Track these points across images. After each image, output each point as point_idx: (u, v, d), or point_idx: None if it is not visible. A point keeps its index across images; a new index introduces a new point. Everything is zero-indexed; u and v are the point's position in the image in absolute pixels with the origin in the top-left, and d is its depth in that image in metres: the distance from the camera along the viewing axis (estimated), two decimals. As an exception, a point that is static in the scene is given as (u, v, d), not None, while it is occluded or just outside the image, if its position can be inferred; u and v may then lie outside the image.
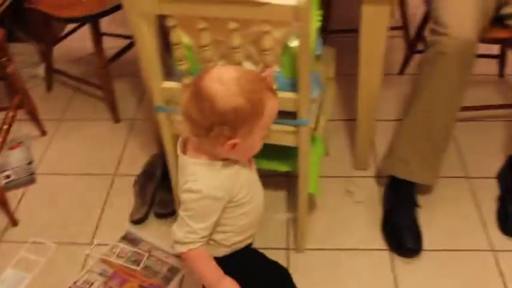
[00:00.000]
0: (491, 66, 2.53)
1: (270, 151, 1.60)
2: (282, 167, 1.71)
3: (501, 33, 1.85)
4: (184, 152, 1.17)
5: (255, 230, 1.31)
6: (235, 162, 1.15)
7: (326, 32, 2.44)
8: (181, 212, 1.15)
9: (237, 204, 1.18)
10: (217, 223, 1.17)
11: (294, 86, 1.40)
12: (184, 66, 1.42)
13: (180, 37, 1.36)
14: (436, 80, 1.63)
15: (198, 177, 1.12)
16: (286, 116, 1.40)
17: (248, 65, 1.41)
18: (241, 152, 1.12)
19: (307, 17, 1.19)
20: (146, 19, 1.32)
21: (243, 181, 1.17)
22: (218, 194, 1.12)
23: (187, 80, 1.45)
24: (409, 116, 1.74)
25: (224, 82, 1.03)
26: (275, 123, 1.15)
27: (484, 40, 1.83)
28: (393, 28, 2.58)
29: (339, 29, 2.53)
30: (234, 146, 1.07)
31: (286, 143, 1.52)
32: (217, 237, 1.22)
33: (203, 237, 1.15)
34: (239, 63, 1.36)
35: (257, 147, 1.14)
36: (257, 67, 1.41)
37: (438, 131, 1.70)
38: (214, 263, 1.21)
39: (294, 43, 1.35)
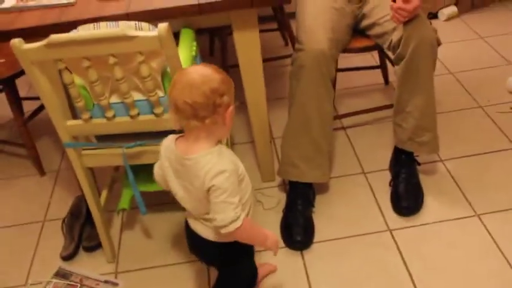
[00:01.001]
0: (377, 76, 2.84)
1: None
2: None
3: (364, 42, 2.16)
4: (185, 153, 1.34)
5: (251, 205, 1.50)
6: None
7: (227, 66, 2.71)
8: (218, 198, 1.31)
9: (240, 178, 1.39)
10: None
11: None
12: (81, 103, 1.62)
13: (72, 78, 1.56)
14: (302, 90, 1.90)
15: (215, 161, 1.31)
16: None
17: (136, 95, 1.62)
18: (231, 120, 1.35)
19: (169, 44, 1.43)
20: (38, 66, 1.53)
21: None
22: (235, 168, 1.34)
23: (85, 116, 1.64)
24: (288, 124, 2.00)
25: (201, 69, 1.31)
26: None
27: (351, 50, 2.14)
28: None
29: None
30: (232, 112, 1.33)
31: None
32: None
33: (243, 208, 1.37)
34: (127, 94, 1.57)
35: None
36: (143, 95, 1.62)
37: (316, 133, 1.95)
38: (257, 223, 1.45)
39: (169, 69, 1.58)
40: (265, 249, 1.57)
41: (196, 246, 1.58)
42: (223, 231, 1.35)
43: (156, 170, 1.52)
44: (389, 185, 2.15)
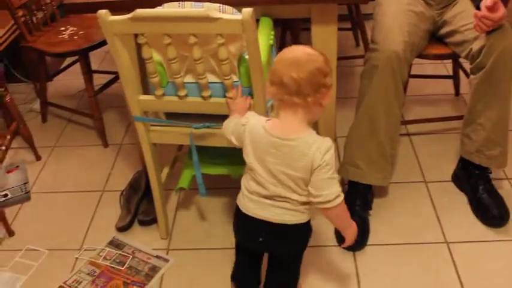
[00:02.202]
0: (448, 87, 2.78)
1: (217, 156, 1.83)
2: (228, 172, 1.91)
3: (441, 50, 2.11)
4: (286, 135, 1.38)
5: None
6: None
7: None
8: (326, 174, 1.37)
9: None
10: None
11: (252, 94, 1.63)
12: (156, 79, 1.65)
13: (151, 53, 1.59)
14: (373, 90, 1.87)
15: (321, 139, 1.38)
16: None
17: (210, 77, 1.64)
18: (328, 102, 1.40)
19: (252, 29, 1.43)
20: (120, 38, 1.56)
21: None
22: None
23: (159, 92, 1.67)
24: (354, 124, 1.97)
25: (306, 49, 1.37)
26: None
27: (426, 56, 2.10)
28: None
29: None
30: (331, 94, 1.37)
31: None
32: None
33: None
34: (202, 75, 1.59)
35: None
36: (218, 78, 1.64)
37: (381, 136, 1.92)
38: None
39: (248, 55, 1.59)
40: (343, 234, 1.57)
41: (265, 236, 1.50)
42: (328, 205, 1.40)
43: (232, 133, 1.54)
44: (469, 203, 2.09)
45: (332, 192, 1.39)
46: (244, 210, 1.49)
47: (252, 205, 1.48)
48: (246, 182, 1.50)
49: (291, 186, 1.41)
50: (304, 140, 1.37)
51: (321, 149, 1.35)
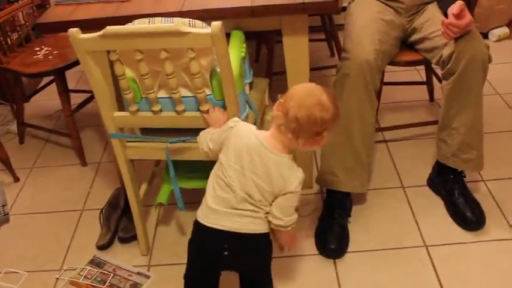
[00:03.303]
0: (422, 92, 2.81)
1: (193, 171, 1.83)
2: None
3: (412, 57, 2.15)
4: (275, 149, 1.42)
5: None
6: None
7: (271, 74, 2.74)
8: (293, 202, 1.46)
9: None
10: None
11: (225, 107, 1.64)
12: (130, 95, 1.65)
13: (123, 70, 1.60)
14: (346, 98, 1.89)
15: (297, 169, 1.45)
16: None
17: (183, 91, 1.65)
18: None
19: (221, 42, 1.45)
20: (92, 56, 1.57)
21: None
22: None
23: (133, 108, 1.68)
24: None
25: (324, 96, 1.39)
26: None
27: (398, 63, 2.13)
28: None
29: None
30: (323, 144, 1.43)
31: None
32: None
33: None
34: (175, 89, 1.60)
35: None
36: (190, 92, 1.65)
37: (357, 143, 1.94)
38: None
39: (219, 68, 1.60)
40: (281, 244, 1.63)
41: (231, 248, 1.47)
42: (285, 229, 1.49)
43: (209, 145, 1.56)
44: (446, 208, 2.11)
45: (292, 218, 1.49)
46: (207, 223, 1.46)
47: (216, 216, 1.46)
48: (212, 192, 1.49)
49: (256, 197, 1.44)
50: (287, 162, 1.43)
51: (297, 177, 1.43)
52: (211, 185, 1.50)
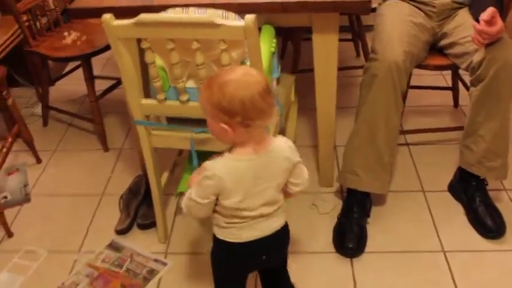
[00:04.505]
0: (447, 98, 2.80)
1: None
2: None
3: (441, 61, 2.14)
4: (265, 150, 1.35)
5: None
6: None
7: (296, 71, 2.74)
8: (301, 163, 1.46)
9: None
10: None
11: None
12: (159, 84, 1.67)
13: (153, 57, 1.61)
14: (372, 99, 1.89)
15: (281, 138, 1.44)
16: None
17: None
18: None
19: (254, 35, 1.46)
20: (123, 43, 1.58)
21: None
22: None
23: (161, 96, 1.69)
24: (354, 132, 1.99)
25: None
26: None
27: (426, 67, 2.12)
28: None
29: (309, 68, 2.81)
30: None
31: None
32: None
33: None
34: (204, 79, 1.60)
35: None
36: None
37: (380, 144, 1.94)
38: None
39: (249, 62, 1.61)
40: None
41: (267, 250, 1.47)
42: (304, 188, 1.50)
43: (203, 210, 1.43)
44: (466, 214, 2.10)
45: (306, 177, 1.49)
46: (246, 239, 1.42)
47: (250, 231, 1.42)
48: (233, 225, 1.41)
49: (274, 193, 1.41)
50: (280, 147, 1.39)
51: (290, 146, 1.42)
52: (227, 223, 1.42)
